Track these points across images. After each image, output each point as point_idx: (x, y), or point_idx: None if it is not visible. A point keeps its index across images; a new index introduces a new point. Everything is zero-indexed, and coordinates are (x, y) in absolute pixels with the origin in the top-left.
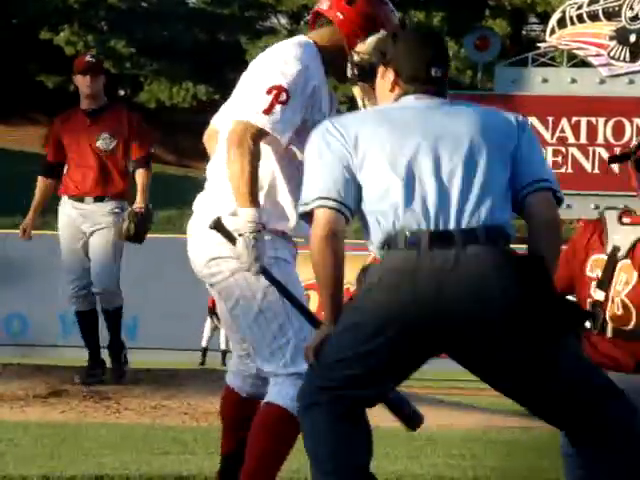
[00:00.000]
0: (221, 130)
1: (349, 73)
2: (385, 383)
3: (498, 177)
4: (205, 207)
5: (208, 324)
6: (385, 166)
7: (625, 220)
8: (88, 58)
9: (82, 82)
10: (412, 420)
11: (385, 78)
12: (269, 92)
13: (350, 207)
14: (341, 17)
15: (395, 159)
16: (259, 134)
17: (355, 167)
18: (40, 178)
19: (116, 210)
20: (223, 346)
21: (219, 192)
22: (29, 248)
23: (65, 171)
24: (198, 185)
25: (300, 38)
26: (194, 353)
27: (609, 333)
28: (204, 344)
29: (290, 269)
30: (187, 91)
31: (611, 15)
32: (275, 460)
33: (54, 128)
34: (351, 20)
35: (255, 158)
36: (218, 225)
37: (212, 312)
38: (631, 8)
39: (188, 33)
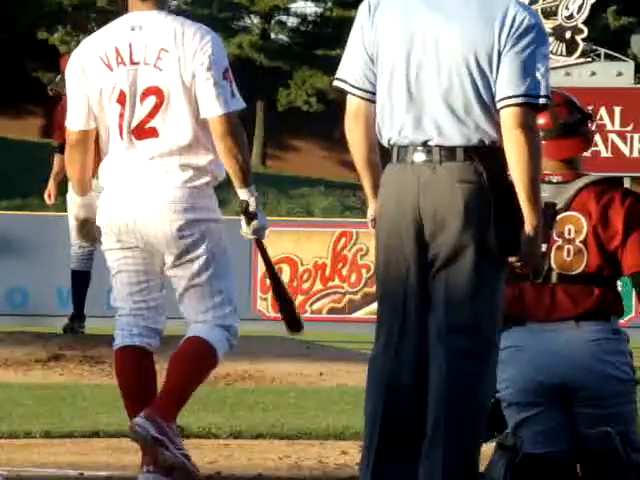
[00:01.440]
0: (109, 126)
1: None
2: (417, 304)
3: (480, 99)
4: (165, 184)
5: None
6: (385, 77)
7: (552, 179)
8: None
9: None
10: (294, 324)
11: None
12: (225, 77)
13: (375, 91)
14: None
15: (392, 72)
16: (238, 116)
17: (375, 59)
18: (57, 155)
19: None
20: None
21: (179, 172)
22: (28, 228)
23: None
24: None
25: (168, 17)
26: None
27: (554, 279)
28: None
29: None
30: None
31: (549, 14)
32: (194, 384)
33: (57, 116)
34: None
35: (244, 142)
36: (246, 209)
37: None
38: (566, 8)
39: None
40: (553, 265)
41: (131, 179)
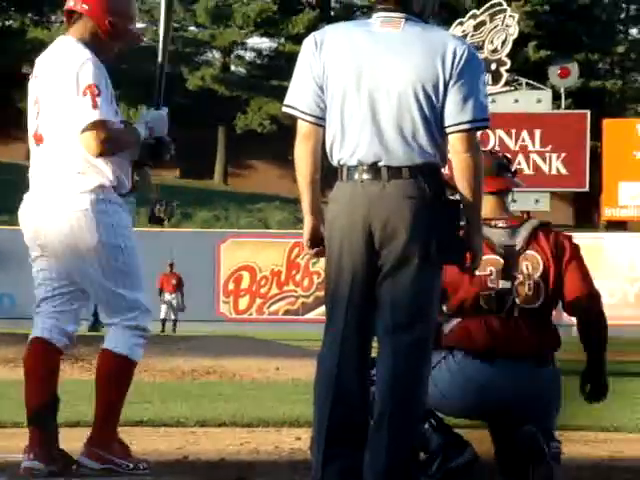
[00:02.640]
0: (45, 134)
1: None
2: (366, 308)
3: (427, 124)
4: (59, 190)
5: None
6: (337, 105)
7: (500, 224)
8: None
9: None
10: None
11: None
12: (85, 93)
13: (324, 117)
14: (86, 7)
15: (342, 104)
16: (102, 125)
17: (323, 88)
18: None
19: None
20: (162, 315)
21: (67, 179)
22: (15, 241)
23: None
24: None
25: (68, 40)
26: (154, 323)
27: (516, 313)
28: (162, 316)
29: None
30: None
31: (476, 48)
32: (121, 399)
33: None
34: (95, 6)
35: (109, 141)
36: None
37: (160, 291)
38: (491, 42)
39: (140, 66)
40: (517, 300)
41: (32, 186)
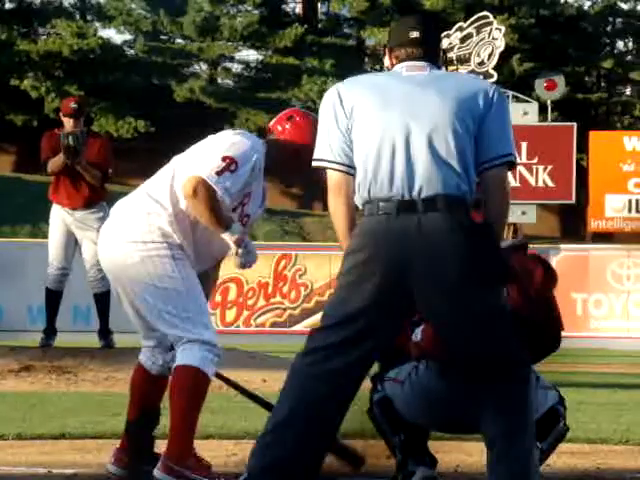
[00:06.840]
0: (177, 174)
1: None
2: (373, 339)
3: (462, 154)
4: (127, 215)
5: None
6: (366, 139)
7: None
8: (72, 105)
9: (67, 123)
10: (354, 459)
11: (386, 58)
12: (223, 160)
13: (354, 165)
14: (280, 129)
15: (374, 134)
16: (211, 191)
17: (350, 132)
18: (52, 159)
19: (100, 214)
20: None
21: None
22: (4, 253)
23: (55, 183)
24: None
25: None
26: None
27: None
28: None
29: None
30: (129, 124)
31: (463, 61)
32: (195, 412)
33: (48, 140)
34: (287, 132)
35: (212, 203)
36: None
37: None
38: (478, 55)
39: (127, 78)
40: None
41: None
